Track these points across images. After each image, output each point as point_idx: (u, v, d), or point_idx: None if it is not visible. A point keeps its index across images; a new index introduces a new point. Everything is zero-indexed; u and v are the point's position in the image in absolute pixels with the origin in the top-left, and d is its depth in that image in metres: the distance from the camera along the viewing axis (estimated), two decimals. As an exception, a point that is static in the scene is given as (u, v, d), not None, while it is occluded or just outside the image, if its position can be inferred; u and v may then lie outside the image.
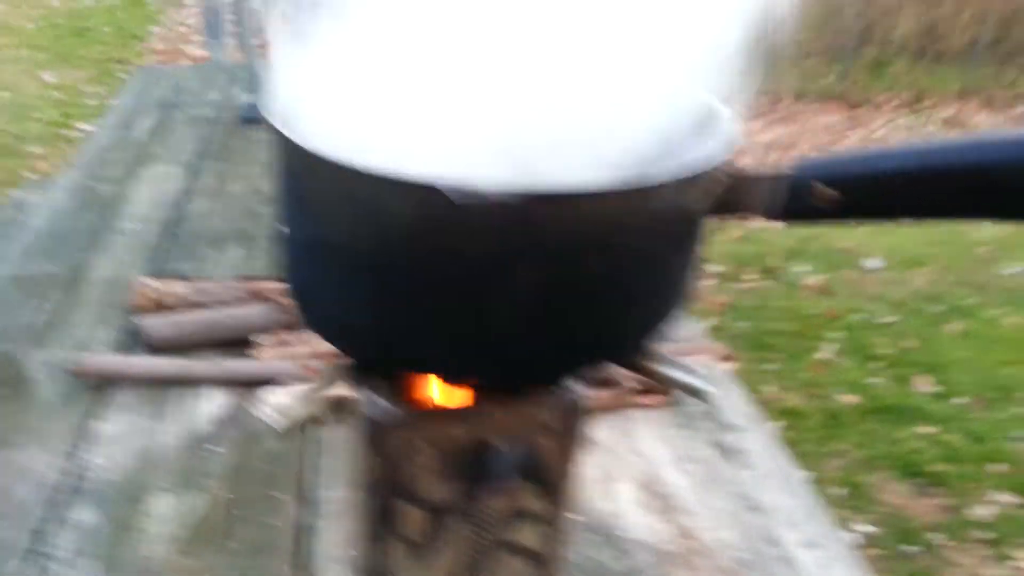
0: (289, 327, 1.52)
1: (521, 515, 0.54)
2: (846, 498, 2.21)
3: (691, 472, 1.31)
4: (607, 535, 1.19)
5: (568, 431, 0.52)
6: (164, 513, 1.21)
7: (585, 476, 1.29)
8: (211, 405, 1.42)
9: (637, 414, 1.42)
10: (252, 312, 1.54)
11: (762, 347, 2.87)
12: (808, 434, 2.49)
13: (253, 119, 2.50)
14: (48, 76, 5.45)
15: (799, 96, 4.97)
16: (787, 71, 5.08)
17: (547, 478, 0.53)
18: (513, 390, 0.53)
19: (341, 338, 0.50)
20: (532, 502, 0.54)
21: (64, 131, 4.49)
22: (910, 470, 2.32)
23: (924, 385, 2.64)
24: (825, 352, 2.84)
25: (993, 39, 5.20)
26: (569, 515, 0.55)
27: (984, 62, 5.20)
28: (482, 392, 0.54)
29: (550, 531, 0.55)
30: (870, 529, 2.09)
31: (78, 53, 5.98)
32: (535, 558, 0.56)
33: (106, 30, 6.53)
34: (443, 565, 0.55)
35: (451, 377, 0.49)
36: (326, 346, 1.55)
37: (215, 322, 1.54)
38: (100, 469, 1.28)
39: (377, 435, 0.50)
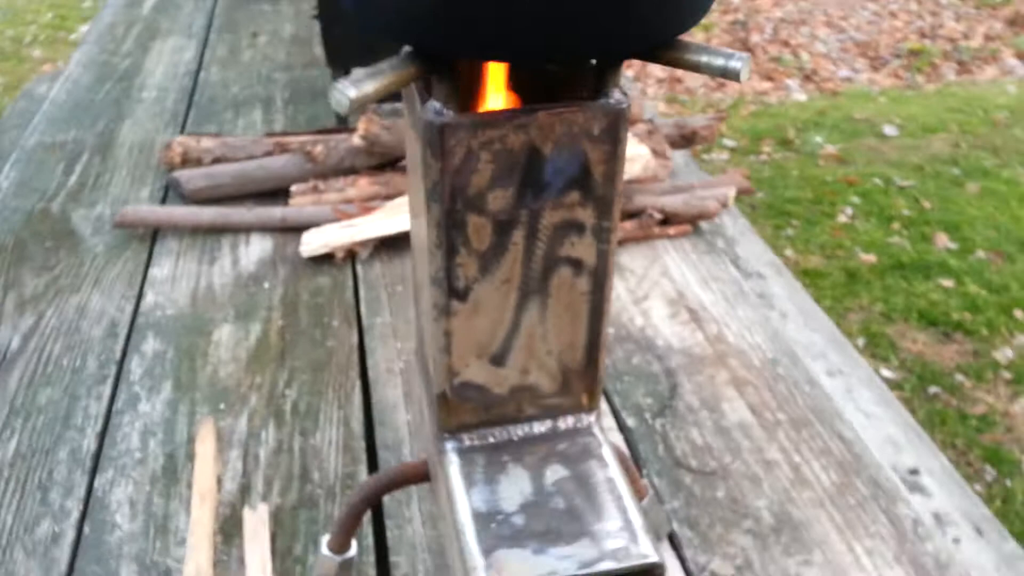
0: (320, 175, 1.52)
1: (572, 226, 0.57)
2: (867, 347, 2.25)
3: (717, 290, 1.34)
4: (642, 344, 1.22)
5: (613, 138, 0.54)
6: (225, 340, 1.25)
7: (618, 296, 1.32)
8: (254, 248, 1.44)
9: (663, 243, 1.44)
10: (281, 162, 1.55)
11: (781, 214, 2.88)
12: (827, 291, 2.52)
13: (259, -8, 2.45)
14: (40, -20, 5.30)
15: (810, -28, 4.83)
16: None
17: (594, 187, 0.56)
18: (554, 62, 0.55)
19: (392, 21, 0.51)
20: (581, 213, 0.56)
21: (63, 33, 4.39)
22: (931, 320, 2.36)
23: (943, 242, 2.66)
24: (843, 216, 2.85)
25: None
26: (615, 228, 0.58)
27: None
28: (528, 86, 0.56)
29: (599, 244, 0.58)
30: (892, 375, 2.15)
31: (69, -43, 5.79)
32: (586, 269, 0.59)
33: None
34: (505, 274, 0.58)
35: (492, 49, 0.50)
36: (355, 191, 1.55)
37: (247, 173, 1.54)
38: (160, 307, 1.32)
39: (438, 139, 0.52)
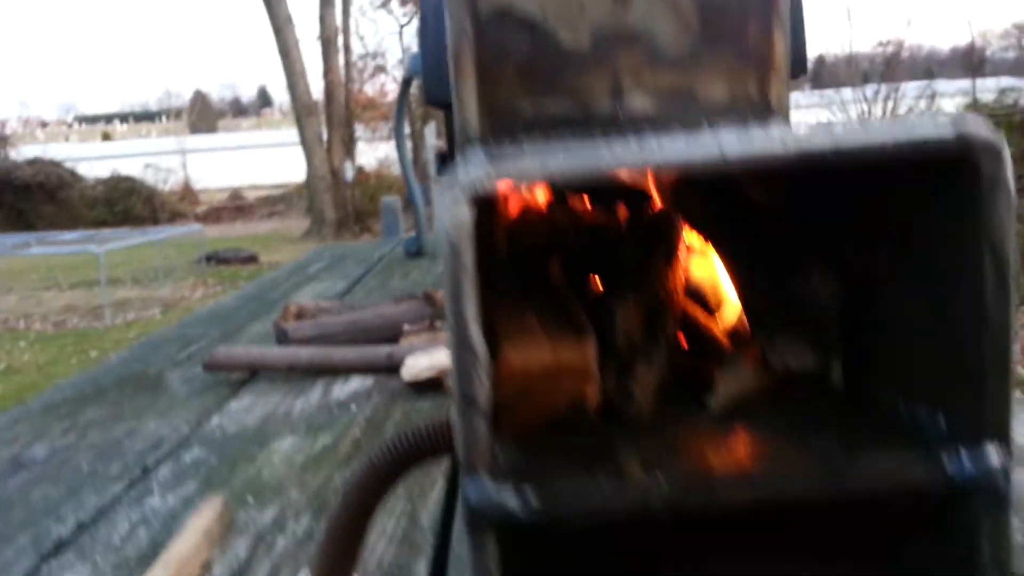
0: (439, 315, 1.29)
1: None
2: None
3: None
4: None
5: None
6: (284, 448, 0.94)
7: None
8: (351, 385, 1.18)
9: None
10: (400, 309, 1.34)
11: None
12: None
13: (417, 252, 2.49)
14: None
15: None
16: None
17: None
18: None
19: None
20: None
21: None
22: None
23: None
24: None
25: None
26: None
27: None
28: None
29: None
30: None
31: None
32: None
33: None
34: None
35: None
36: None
37: (360, 321, 1.34)
38: (221, 428, 1.05)
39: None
